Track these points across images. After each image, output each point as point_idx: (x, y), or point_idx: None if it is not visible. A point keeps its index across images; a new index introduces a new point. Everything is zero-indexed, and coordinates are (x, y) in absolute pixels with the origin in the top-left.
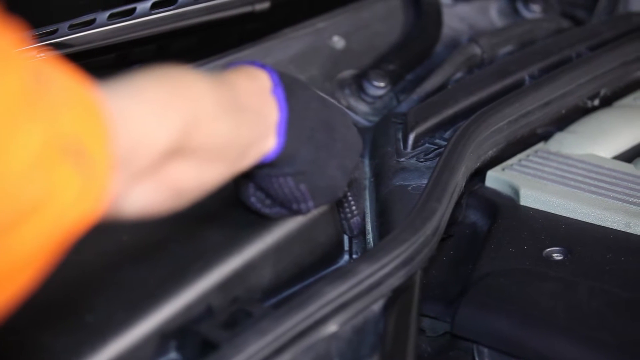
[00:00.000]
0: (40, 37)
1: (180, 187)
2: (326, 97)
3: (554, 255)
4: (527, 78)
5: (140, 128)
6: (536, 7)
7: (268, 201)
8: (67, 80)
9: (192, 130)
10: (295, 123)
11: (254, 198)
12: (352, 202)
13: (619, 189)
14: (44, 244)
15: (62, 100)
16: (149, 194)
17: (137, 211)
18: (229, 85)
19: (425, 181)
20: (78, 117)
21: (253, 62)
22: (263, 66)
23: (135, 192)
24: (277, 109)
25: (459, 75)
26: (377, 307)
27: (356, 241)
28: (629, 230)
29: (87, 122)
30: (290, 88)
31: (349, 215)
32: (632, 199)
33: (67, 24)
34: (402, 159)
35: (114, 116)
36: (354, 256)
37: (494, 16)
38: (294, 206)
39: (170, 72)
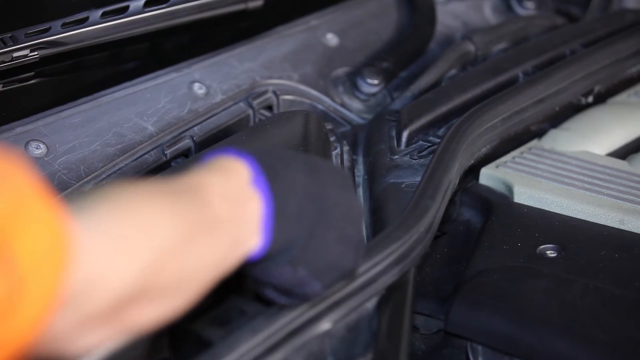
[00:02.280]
0: (33, 36)
1: (140, 327)
2: (313, 158)
3: (548, 252)
4: (520, 75)
5: (96, 268)
6: (530, 5)
7: (275, 289)
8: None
9: (155, 270)
10: (281, 210)
11: (265, 290)
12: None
13: (613, 186)
14: None
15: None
16: (101, 336)
17: (81, 350)
18: (198, 197)
19: (418, 178)
20: (38, 247)
21: (229, 151)
22: (241, 155)
23: (86, 334)
24: (260, 203)
25: (452, 72)
26: (370, 304)
27: None
28: (622, 227)
29: (45, 255)
30: (272, 171)
31: None
32: (626, 196)
33: (60, 22)
34: (396, 157)
35: (74, 251)
36: None
37: (488, 13)
38: (300, 292)
39: (132, 198)
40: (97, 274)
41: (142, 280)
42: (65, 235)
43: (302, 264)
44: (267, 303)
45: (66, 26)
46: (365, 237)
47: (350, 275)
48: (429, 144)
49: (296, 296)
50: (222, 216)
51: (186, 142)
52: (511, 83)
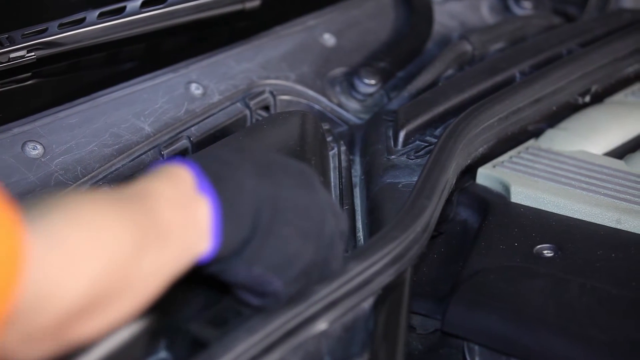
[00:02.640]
0: (30, 36)
1: (86, 339)
2: (269, 158)
3: (545, 252)
4: (517, 75)
5: (46, 283)
6: (527, 4)
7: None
8: None
9: (104, 282)
10: (230, 212)
11: (238, 292)
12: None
13: (610, 186)
14: None
15: None
16: (45, 351)
17: None
18: (146, 204)
19: (415, 178)
20: None
21: (174, 159)
22: (184, 162)
23: (30, 349)
24: (207, 207)
25: (449, 72)
26: (367, 304)
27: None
28: (619, 227)
29: None
30: (218, 176)
31: None
32: (623, 196)
33: (56, 22)
34: (393, 157)
35: (26, 265)
36: (345, 254)
37: (485, 13)
38: (262, 290)
39: (82, 208)
40: (47, 289)
41: (91, 293)
42: (17, 248)
43: (256, 262)
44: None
45: (63, 27)
46: (344, 230)
47: (325, 270)
48: (426, 144)
49: (263, 295)
50: (170, 222)
51: (183, 143)
52: (508, 83)
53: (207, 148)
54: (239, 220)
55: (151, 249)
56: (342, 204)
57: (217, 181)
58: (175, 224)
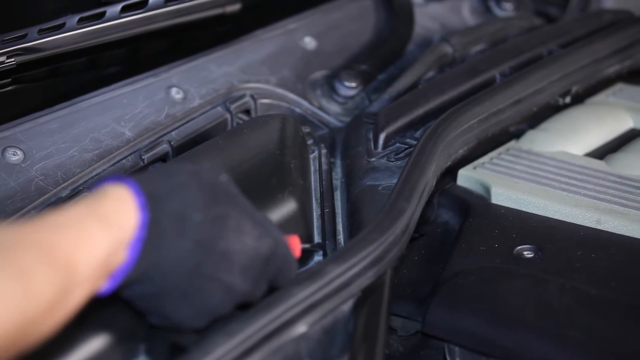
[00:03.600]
0: (10, 42)
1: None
2: (225, 187)
3: (525, 253)
4: (498, 76)
5: None
6: (509, 6)
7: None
8: None
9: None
10: (150, 240)
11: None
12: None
13: (590, 186)
14: None
15: None
16: None
17: None
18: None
19: (395, 181)
20: None
21: (128, 182)
22: (138, 195)
23: None
24: (127, 261)
25: (430, 74)
26: (346, 307)
27: (328, 242)
28: (599, 227)
29: None
30: (160, 232)
31: None
32: (603, 196)
33: (36, 28)
34: (373, 159)
35: None
36: (325, 258)
37: (466, 15)
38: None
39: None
40: None
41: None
42: None
43: (143, 302)
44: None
45: (43, 32)
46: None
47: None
48: (406, 146)
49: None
50: (88, 276)
51: (164, 147)
52: (488, 84)
53: (221, 154)
54: (149, 274)
55: (54, 310)
56: (322, 206)
57: (154, 239)
58: (90, 277)
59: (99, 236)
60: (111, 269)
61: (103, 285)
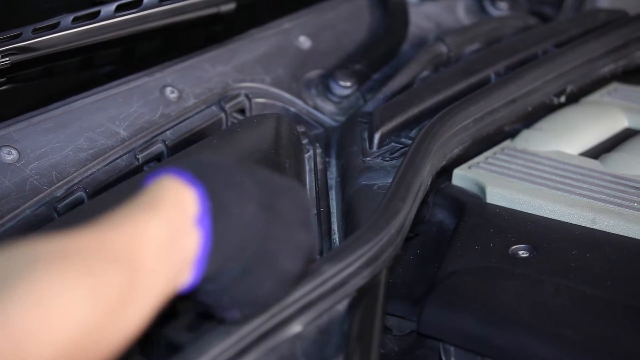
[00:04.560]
0: (4, 41)
1: None
2: (278, 187)
3: (520, 252)
4: (493, 76)
5: None
6: (503, 5)
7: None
8: None
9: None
10: (219, 244)
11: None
12: None
13: (585, 186)
14: None
15: None
16: None
17: None
18: (129, 262)
19: (390, 180)
20: None
21: (183, 174)
22: (191, 181)
23: None
24: (199, 240)
25: (425, 74)
26: (341, 307)
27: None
28: (594, 227)
29: None
30: (220, 205)
31: None
32: (598, 196)
33: (30, 27)
34: (368, 159)
35: None
36: (320, 257)
37: (461, 14)
38: (217, 313)
39: (47, 284)
40: None
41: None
42: None
43: (226, 293)
44: None
45: (37, 32)
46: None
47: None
48: (401, 146)
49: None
50: (155, 268)
51: (158, 147)
52: (483, 84)
53: (216, 153)
54: (225, 253)
55: (127, 307)
56: (317, 206)
57: (218, 211)
58: (159, 268)
59: (152, 222)
60: (185, 257)
61: (186, 278)
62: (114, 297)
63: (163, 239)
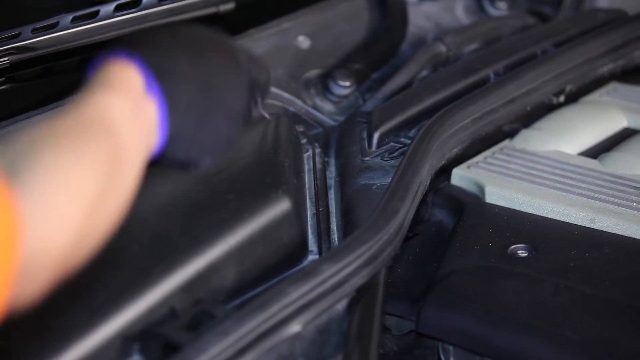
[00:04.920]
0: (3, 41)
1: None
2: (197, 40)
3: (519, 252)
4: (492, 75)
5: (37, 243)
6: (502, 5)
7: None
8: None
9: (85, 226)
10: (174, 105)
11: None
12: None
13: (584, 185)
14: None
15: None
16: (50, 285)
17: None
18: (107, 131)
19: (389, 180)
20: None
21: (119, 54)
22: (132, 60)
23: (37, 290)
24: (155, 107)
25: (424, 73)
26: (340, 306)
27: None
28: (593, 226)
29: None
30: (160, 69)
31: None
32: (597, 195)
33: (30, 27)
34: (367, 158)
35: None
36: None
37: (460, 14)
38: (192, 167)
39: (52, 155)
40: (40, 247)
41: (77, 236)
42: (11, 214)
43: (193, 145)
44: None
45: (36, 31)
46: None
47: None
48: (400, 145)
49: (188, 168)
50: (129, 140)
51: None
52: (482, 83)
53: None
54: (181, 111)
55: (117, 179)
56: (317, 205)
57: (160, 76)
58: (132, 138)
59: (114, 98)
60: (149, 122)
61: (154, 141)
62: (107, 168)
63: (128, 110)
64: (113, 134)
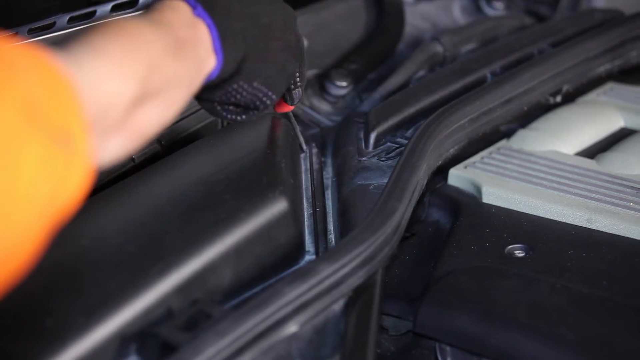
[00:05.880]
0: None
1: (147, 130)
2: None
3: (516, 252)
4: (488, 75)
5: (106, 86)
6: (499, 5)
7: (236, 109)
8: (28, 55)
9: (149, 76)
10: (225, 32)
11: (223, 111)
12: (297, 74)
13: (581, 185)
14: (37, 228)
15: (29, 76)
16: (121, 143)
17: (110, 160)
18: (165, 25)
19: (386, 180)
20: (46, 92)
21: None
22: None
23: (109, 144)
24: (206, 28)
25: (421, 73)
26: (337, 306)
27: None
28: (590, 226)
29: (56, 95)
30: (207, 2)
31: (292, 86)
32: (594, 195)
33: (26, 27)
34: (364, 158)
35: (79, 81)
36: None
37: (457, 14)
38: (259, 104)
39: (120, 25)
40: (105, 96)
41: (139, 88)
42: (62, 77)
43: (256, 77)
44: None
45: (33, 32)
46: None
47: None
48: (397, 146)
49: (253, 109)
50: (184, 39)
51: (154, 147)
52: (479, 83)
53: (212, 152)
54: (234, 38)
55: (177, 56)
56: (313, 206)
57: (208, 7)
58: (188, 40)
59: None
60: (204, 43)
61: (212, 63)
62: (166, 41)
63: (181, 22)
64: (170, 28)
